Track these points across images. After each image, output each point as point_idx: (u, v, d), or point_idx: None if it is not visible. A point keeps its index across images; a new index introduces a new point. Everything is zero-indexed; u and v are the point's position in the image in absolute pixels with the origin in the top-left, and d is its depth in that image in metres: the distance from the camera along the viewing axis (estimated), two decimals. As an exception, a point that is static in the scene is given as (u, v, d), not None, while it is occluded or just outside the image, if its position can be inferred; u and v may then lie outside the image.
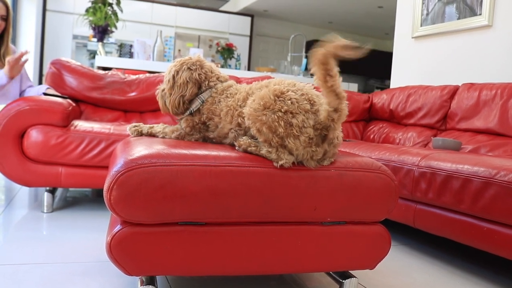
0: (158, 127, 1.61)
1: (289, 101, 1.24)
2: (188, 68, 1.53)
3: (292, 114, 1.23)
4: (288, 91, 1.27)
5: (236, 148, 1.33)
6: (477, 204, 1.75)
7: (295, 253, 1.33)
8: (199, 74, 1.53)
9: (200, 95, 1.53)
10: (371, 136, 3.38)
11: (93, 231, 2.09)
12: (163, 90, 1.57)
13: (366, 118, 3.58)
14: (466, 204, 1.80)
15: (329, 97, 1.22)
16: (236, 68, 6.51)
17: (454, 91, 2.94)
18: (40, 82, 7.63)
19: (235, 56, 6.42)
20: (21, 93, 2.73)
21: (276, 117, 1.23)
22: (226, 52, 6.17)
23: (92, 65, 6.51)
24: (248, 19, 9.36)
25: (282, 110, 1.23)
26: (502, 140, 2.50)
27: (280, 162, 1.25)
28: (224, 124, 1.45)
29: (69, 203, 2.62)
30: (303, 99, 1.26)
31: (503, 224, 1.69)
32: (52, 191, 2.42)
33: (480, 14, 3.09)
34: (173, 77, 1.53)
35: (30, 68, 7.07)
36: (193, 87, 1.52)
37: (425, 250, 2.21)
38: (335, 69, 1.20)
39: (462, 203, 1.81)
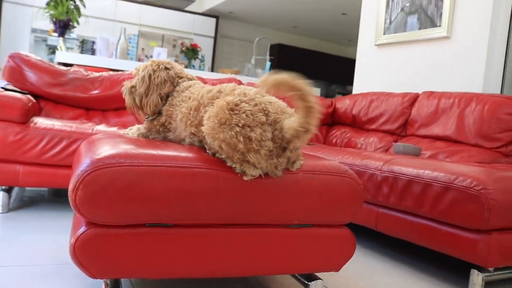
0: (133, 128, 1.66)
1: (244, 114, 1.21)
2: (165, 68, 1.59)
3: (249, 128, 1.21)
4: (241, 103, 1.24)
5: (207, 151, 1.33)
6: (436, 208, 1.82)
7: (262, 256, 1.33)
8: (175, 73, 1.59)
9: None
10: (334, 140, 3.44)
11: (51, 232, 2.02)
12: (133, 87, 1.59)
13: (329, 122, 3.63)
14: (426, 208, 1.86)
15: (306, 117, 1.19)
16: (200, 69, 6.47)
17: (414, 99, 3.04)
18: (-6, 76, 7.31)
19: (200, 57, 6.37)
20: None
21: (233, 133, 1.20)
22: (191, 53, 6.11)
23: (51, 60, 6.30)
24: (213, 20, 9.32)
25: (240, 124, 1.20)
26: (458, 147, 2.60)
27: (245, 178, 1.25)
28: (180, 130, 1.47)
29: (25, 203, 2.52)
30: (257, 110, 1.24)
31: (461, 227, 1.76)
32: (8, 190, 2.32)
33: (440, 26, 3.21)
34: (150, 76, 1.56)
35: (-16, 62, 6.77)
36: (170, 85, 1.57)
37: (387, 253, 2.26)
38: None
39: (423, 207, 1.87)
